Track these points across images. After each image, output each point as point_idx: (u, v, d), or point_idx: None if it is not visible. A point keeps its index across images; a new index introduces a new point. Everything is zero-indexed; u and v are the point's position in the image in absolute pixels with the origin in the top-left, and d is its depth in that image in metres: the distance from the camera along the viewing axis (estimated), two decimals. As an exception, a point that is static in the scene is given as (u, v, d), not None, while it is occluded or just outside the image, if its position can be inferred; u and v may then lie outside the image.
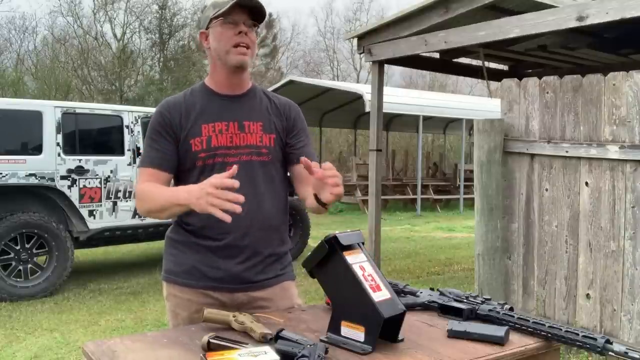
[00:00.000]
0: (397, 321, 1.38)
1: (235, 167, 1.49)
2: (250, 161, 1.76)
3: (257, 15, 1.76)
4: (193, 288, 1.76)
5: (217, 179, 1.46)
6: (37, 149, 5.92)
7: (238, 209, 1.44)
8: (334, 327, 1.39)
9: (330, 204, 1.61)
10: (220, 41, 1.74)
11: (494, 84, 6.57)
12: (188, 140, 1.75)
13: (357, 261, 1.39)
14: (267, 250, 1.80)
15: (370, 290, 1.34)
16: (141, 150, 6.50)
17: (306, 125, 1.92)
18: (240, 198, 1.44)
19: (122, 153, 6.50)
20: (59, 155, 5.98)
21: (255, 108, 1.82)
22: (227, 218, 1.43)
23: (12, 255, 5.69)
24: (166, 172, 1.75)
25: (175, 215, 1.72)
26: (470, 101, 16.59)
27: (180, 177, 1.80)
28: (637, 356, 1.28)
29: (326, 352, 1.27)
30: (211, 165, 1.74)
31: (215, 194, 1.44)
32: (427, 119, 15.21)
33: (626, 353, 1.30)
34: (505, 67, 7.39)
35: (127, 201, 6.45)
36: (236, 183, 1.44)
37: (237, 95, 1.82)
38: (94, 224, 6.22)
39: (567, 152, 3.71)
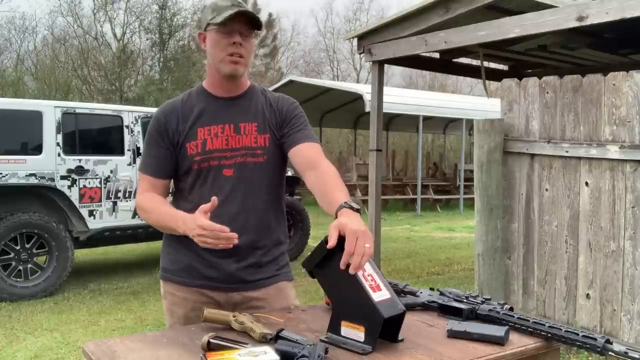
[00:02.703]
0: (397, 321, 1.38)
1: (215, 199, 1.53)
2: (244, 162, 1.76)
3: (254, 23, 1.74)
4: (189, 287, 1.77)
5: (204, 222, 1.49)
6: (37, 149, 5.92)
7: (233, 242, 1.52)
8: (334, 327, 1.39)
9: None
10: (215, 48, 1.73)
11: (494, 84, 6.57)
12: (184, 144, 1.76)
13: (357, 261, 1.39)
14: (262, 250, 1.80)
15: (370, 290, 1.34)
16: (141, 150, 6.56)
17: (303, 114, 1.83)
18: (234, 236, 1.50)
19: (122, 153, 6.50)
20: (59, 155, 5.98)
21: (251, 109, 1.81)
22: (228, 246, 1.52)
23: (12, 255, 5.69)
24: (163, 178, 1.80)
25: None
26: (470, 101, 16.58)
27: (178, 180, 1.81)
28: (637, 356, 1.28)
29: (326, 352, 1.28)
30: (207, 169, 1.75)
31: (206, 235, 1.49)
32: (427, 119, 15.21)
33: (626, 353, 1.30)
34: (505, 67, 7.39)
35: (127, 201, 6.45)
36: (225, 229, 1.49)
37: (234, 97, 1.81)
38: (94, 224, 6.22)
39: (567, 152, 3.71)
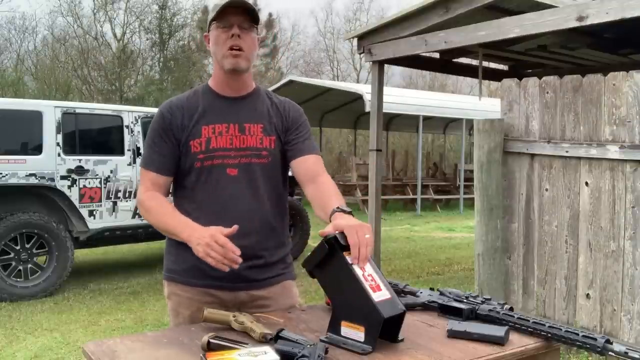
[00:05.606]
0: (397, 321, 1.38)
1: (236, 227, 1.54)
2: (250, 163, 1.76)
3: (252, 15, 1.74)
4: (195, 287, 1.77)
5: (219, 236, 1.51)
6: (37, 149, 5.92)
7: (234, 265, 1.51)
8: (334, 327, 1.39)
9: None
10: (216, 45, 1.75)
11: (494, 84, 6.58)
12: (188, 142, 1.75)
13: (357, 261, 1.39)
14: (268, 251, 1.80)
15: (370, 290, 1.34)
16: (141, 150, 6.57)
17: (307, 122, 1.89)
18: (238, 259, 1.50)
19: (122, 153, 6.50)
20: (59, 155, 5.98)
21: (257, 110, 1.82)
22: (224, 268, 1.51)
23: (12, 255, 5.69)
24: (166, 176, 1.78)
25: None
26: (470, 101, 16.56)
27: (179, 177, 1.80)
28: (637, 356, 1.28)
29: (326, 352, 1.28)
30: (209, 167, 1.74)
31: (214, 248, 1.50)
32: (427, 119, 15.20)
33: (626, 353, 1.30)
34: (505, 67, 7.39)
35: (127, 201, 6.45)
36: (237, 250, 1.50)
37: (239, 97, 1.82)
38: (94, 224, 6.22)
39: (567, 152, 3.71)
